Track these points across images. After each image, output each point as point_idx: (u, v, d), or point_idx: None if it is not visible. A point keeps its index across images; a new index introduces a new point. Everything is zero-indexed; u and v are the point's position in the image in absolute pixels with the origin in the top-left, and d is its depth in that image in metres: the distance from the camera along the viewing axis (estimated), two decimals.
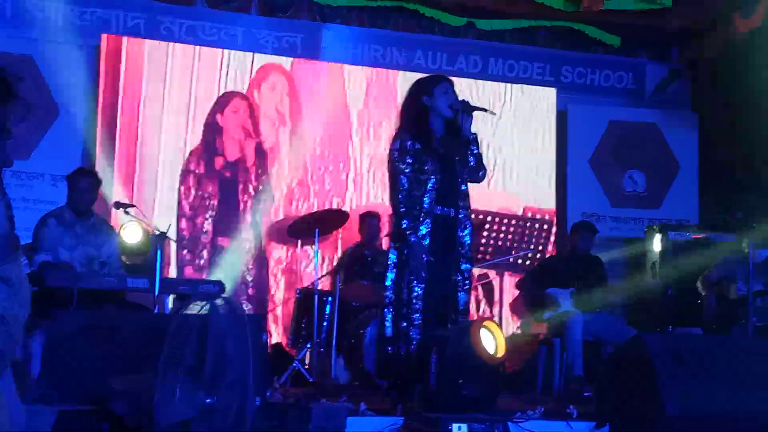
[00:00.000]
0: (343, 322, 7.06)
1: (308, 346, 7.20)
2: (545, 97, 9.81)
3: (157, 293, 5.88)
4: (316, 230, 7.45)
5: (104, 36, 8.44)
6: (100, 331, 4.77)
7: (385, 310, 5.29)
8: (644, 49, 10.22)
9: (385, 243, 8.09)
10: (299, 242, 8.23)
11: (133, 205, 6.82)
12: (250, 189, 8.73)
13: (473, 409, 4.61)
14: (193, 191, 8.59)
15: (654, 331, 7.67)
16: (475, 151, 5.32)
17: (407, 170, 5.31)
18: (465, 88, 8.64)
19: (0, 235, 1.85)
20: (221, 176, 8.69)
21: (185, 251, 8.45)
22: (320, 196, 8.88)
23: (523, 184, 9.62)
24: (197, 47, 8.73)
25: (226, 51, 8.82)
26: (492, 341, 4.92)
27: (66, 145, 8.16)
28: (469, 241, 5.36)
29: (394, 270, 5.32)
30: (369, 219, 8.06)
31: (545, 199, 9.66)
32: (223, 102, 8.78)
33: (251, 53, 8.90)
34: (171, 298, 6.80)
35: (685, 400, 4.50)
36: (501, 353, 4.93)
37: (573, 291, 7.29)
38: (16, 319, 1.88)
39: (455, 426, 4.29)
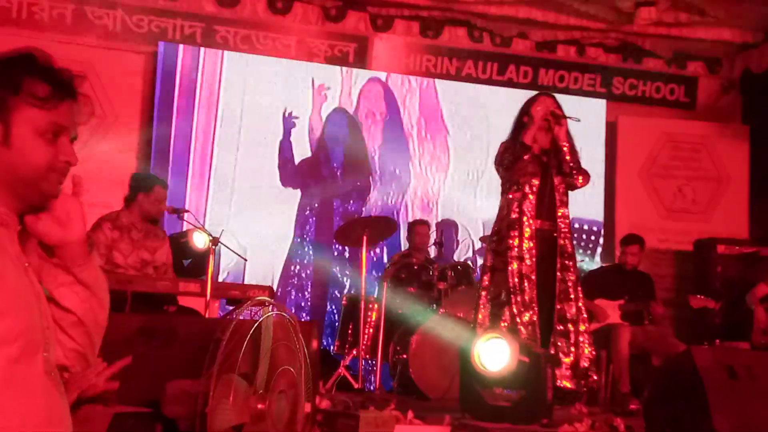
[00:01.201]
0: (389, 330, 7.10)
1: (354, 352, 7.25)
2: (595, 108, 9.79)
3: (208, 297, 5.97)
4: (364, 237, 7.48)
5: (161, 43, 8.59)
6: (155, 334, 4.84)
7: None
8: (696, 62, 10.15)
9: (432, 252, 8.14)
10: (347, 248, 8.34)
11: (187, 211, 6.90)
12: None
13: (520, 421, 4.62)
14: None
15: (702, 345, 7.62)
16: (569, 160, 5.56)
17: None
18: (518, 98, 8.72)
19: (78, 238, 1.87)
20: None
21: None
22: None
23: (572, 195, 9.55)
24: (251, 56, 8.85)
25: (279, 59, 8.94)
26: (496, 352, 4.96)
27: (122, 150, 8.29)
28: (570, 250, 5.55)
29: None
30: (418, 227, 8.09)
31: (594, 210, 9.63)
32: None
33: (304, 62, 9.01)
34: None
35: (734, 415, 4.48)
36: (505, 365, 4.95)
37: (621, 304, 7.27)
38: (95, 321, 1.91)
39: None
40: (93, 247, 1.95)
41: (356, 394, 6.73)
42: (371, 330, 7.28)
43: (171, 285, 6.11)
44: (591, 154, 9.66)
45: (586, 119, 9.64)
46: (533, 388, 4.92)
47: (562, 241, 5.53)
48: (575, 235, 9.51)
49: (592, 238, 9.60)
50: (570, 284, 5.53)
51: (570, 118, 5.69)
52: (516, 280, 5.51)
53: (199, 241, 6.55)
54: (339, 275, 8.89)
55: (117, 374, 3.62)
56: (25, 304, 1.72)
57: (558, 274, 5.53)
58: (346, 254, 8.81)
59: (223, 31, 8.84)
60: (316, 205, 8.95)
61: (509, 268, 5.54)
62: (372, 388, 7.07)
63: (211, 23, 8.80)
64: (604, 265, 9.24)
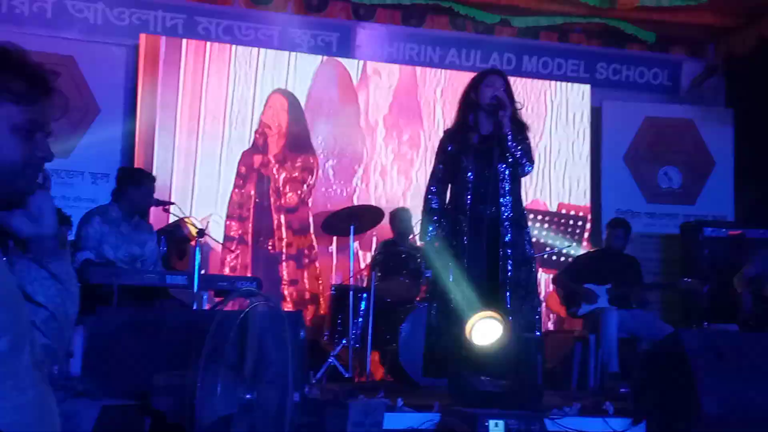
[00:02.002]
0: (378, 318, 7.11)
1: (344, 342, 7.25)
2: (580, 94, 9.81)
3: (196, 290, 5.96)
4: (351, 226, 7.47)
5: (143, 36, 8.56)
6: (142, 327, 4.83)
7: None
8: (679, 46, 10.18)
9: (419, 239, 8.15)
10: (334, 238, 8.34)
11: (172, 203, 6.88)
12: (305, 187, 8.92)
13: (510, 406, 4.63)
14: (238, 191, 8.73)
15: (690, 328, 7.66)
16: (512, 148, 5.28)
17: (440, 166, 5.40)
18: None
19: (50, 232, 1.88)
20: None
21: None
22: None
23: (558, 181, 9.63)
24: (234, 46, 8.83)
25: (262, 50, 8.92)
26: (488, 331, 4.95)
27: (105, 144, 8.27)
28: (509, 239, 5.33)
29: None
30: (401, 214, 8.08)
31: (580, 196, 9.66)
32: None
33: (287, 52, 8.99)
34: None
35: (722, 397, 4.49)
36: (496, 343, 4.95)
37: (609, 287, 7.29)
38: (66, 316, 1.91)
39: (492, 422, 4.31)
40: (65, 243, 1.95)
41: (346, 383, 6.75)
42: (361, 319, 7.29)
43: (158, 278, 6.09)
44: (576, 139, 9.72)
45: (570, 105, 9.75)
46: (523, 372, 4.92)
47: (503, 230, 5.29)
48: (562, 221, 9.58)
49: (579, 223, 9.63)
50: (509, 274, 5.35)
51: (516, 103, 5.39)
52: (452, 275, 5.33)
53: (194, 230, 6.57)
54: None
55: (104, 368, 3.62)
56: (12, 297, 1.71)
57: (500, 264, 5.27)
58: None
59: (205, 22, 8.82)
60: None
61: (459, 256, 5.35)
62: (361, 376, 7.08)
63: (192, 14, 8.78)
64: (591, 250, 9.27)
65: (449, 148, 5.48)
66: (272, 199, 8.81)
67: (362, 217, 7.68)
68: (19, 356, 1.69)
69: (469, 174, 5.34)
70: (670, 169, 9.85)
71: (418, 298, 7.33)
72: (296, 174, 8.90)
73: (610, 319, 6.99)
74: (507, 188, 5.34)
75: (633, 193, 9.71)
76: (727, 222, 9.24)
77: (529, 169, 5.40)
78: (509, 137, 5.26)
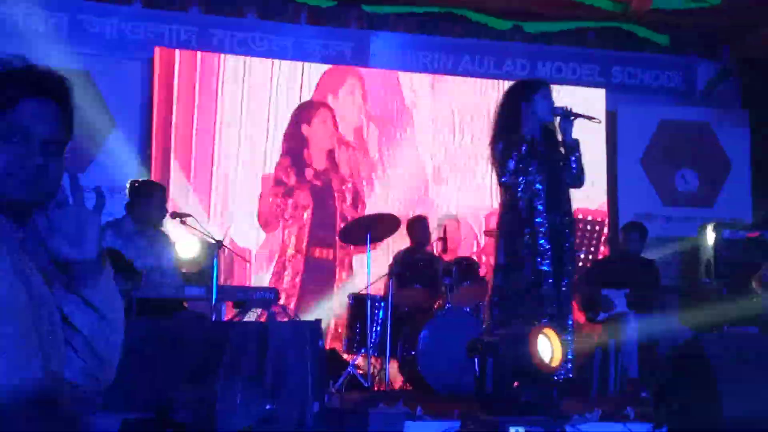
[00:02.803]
0: (396, 327, 7.10)
1: (362, 351, 7.25)
2: (595, 98, 9.77)
3: (214, 301, 5.97)
4: (368, 235, 7.46)
5: (157, 49, 8.60)
6: (161, 340, 4.84)
7: None
8: (694, 48, 10.14)
9: (437, 247, 8.14)
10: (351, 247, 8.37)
11: (189, 215, 6.88)
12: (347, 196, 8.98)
13: (531, 413, 4.61)
14: (280, 202, 8.78)
15: (709, 331, 7.62)
16: (575, 158, 5.43)
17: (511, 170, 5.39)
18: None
19: (90, 257, 1.80)
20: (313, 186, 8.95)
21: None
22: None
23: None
24: (248, 58, 8.86)
25: (276, 61, 8.95)
26: (549, 349, 4.92)
27: (122, 158, 8.30)
28: (568, 246, 5.44)
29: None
30: (418, 224, 8.06)
31: (597, 200, 9.63)
32: (306, 113, 8.98)
33: (300, 62, 9.02)
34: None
35: (744, 401, 4.46)
36: (556, 363, 4.92)
37: (627, 292, 7.27)
38: (107, 344, 1.86)
39: (513, 429, 4.30)
40: (102, 269, 1.85)
41: (365, 392, 6.75)
42: (379, 328, 7.28)
43: (176, 290, 6.11)
44: (591, 144, 9.68)
45: (585, 109, 9.69)
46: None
47: (567, 240, 5.41)
48: (579, 226, 9.55)
49: (597, 228, 9.60)
50: (572, 279, 5.44)
51: (591, 119, 5.55)
52: (533, 277, 5.39)
53: (185, 250, 6.60)
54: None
55: (123, 381, 3.62)
56: (19, 311, 1.69)
57: (568, 268, 5.43)
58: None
59: (219, 35, 8.85)
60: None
61: (526, 264, 5.41)
62: (381, 386, 7.07)
63: (206, 27, 8.81)
64: (608, 254, 9.25)
65: (514, 154, 5.38)
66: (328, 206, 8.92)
67: (379, 226, 7.67)
68: (27, 368, 1.68)
69: (540, 176, 5.40)
70: (687, 171, 9.81)
71: (435, 306, 7.32)
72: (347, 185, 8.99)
73: (630, 324, 6.96)
74: (569, 196, 5.50)
75: (650, 196, 9.67)
76: (745, 224, 9.19)
77: (584, 181, 5.55)
78: (576, 147, 5.44)
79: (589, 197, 9.56)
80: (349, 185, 9.06)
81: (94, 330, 1.83)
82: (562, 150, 5.43)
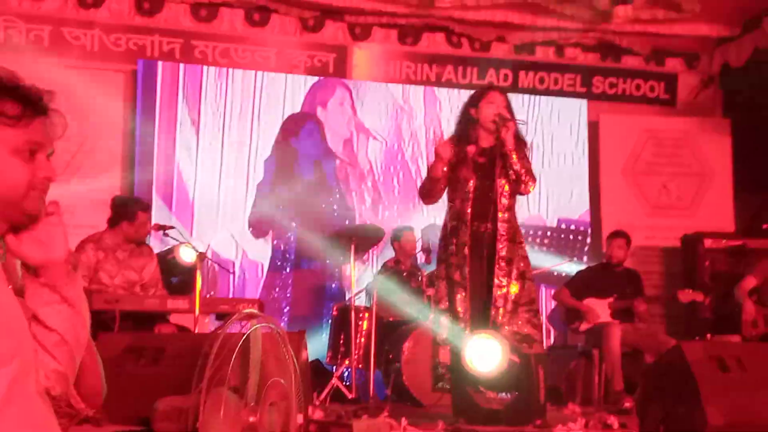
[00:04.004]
0: (380, 338, 7.09)
1: (346, 362, 7.23)
2: (576, 109, 9.83)
3: (197, 313, 5.95)
4: (352, 246, 7.45)
5: (140, 61, 8.59)
6: (144, 353, 4.83)
7: None
8: (674, 58, 10.19)
9: (421, 258, 8.14)
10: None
11: (172, 227, 6.87)
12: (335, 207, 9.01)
13: (513, 422, 4.62)
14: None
15: (692, 340, 7.64)
16: (514, 165, 5.31)
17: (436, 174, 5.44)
18: None
19: (60, 257, 1.87)
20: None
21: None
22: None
23: (557, 196, 9.64)
24: (231, 69, 8.86)
25: (259, 72, 8.95)
26: (486, 353, 4.94)
27: (105, 170, 8.27)
28: (504, 255, 5.35)
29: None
30: (405, 234, 8.07)
31: (579, 211, 9.66)
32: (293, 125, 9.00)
33: (283, 74, 9.02)
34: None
35: (728, 408, 4.48)
36: (497, 365, 4.92)
37: (610, 302, 7.29)
38: (77, 340, 1.90)
39: None
40: (76, 267, 1.96)
41: (350, 403, 6.72)
42: (363, 339, 7.27)
43: (159, 302, 6.09)
44: (574, 154, 9.73)
45: (567, 120, 9.77)
46: (525, 389, 4.91)
47: (500, 245, 5.32)
48: (562, 236, 9.57)
49: (579, 238, 9.63)
50: (505, 290, 5.38)
51: (519, 121, 5.41)
52: (453, 289, 5.39)
53: (186, 255, 6.55)
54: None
55: (107, 395, 3.60)
56: (17, 325, 1.71)
57: (495, 280, 5.31)
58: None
59: (202, 46, 8.85)
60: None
61: (450, 276, 5.41)
62: (365, 397, 7.05)
63: (189, 38, 8.81)
64: (591, 264, 9.26)
65: (448, 158, 5.46)
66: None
67: (363, 237, 7.66)
68: (26, 383, 1.70)
69: (470, 184, 5.37)
70: (669, 181, 9.85)
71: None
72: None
73: (613, 333, 6.98)
74: (505, 204, 5.38)
75: (632, 206, 9.70)
76: (728, 233, 9.22)
77: (532, 187, 5.42)
78: (512, 154, 5.29)
79: (572, 208, 9.61)
80: (337, 196, 9.06)
81: (68, 327, 1.88)
82: (515, 156, 5.33)
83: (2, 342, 1.65)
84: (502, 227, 5.34)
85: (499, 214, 5.34)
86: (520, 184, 5.36)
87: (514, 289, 5.34)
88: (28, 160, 1.80)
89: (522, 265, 5.42)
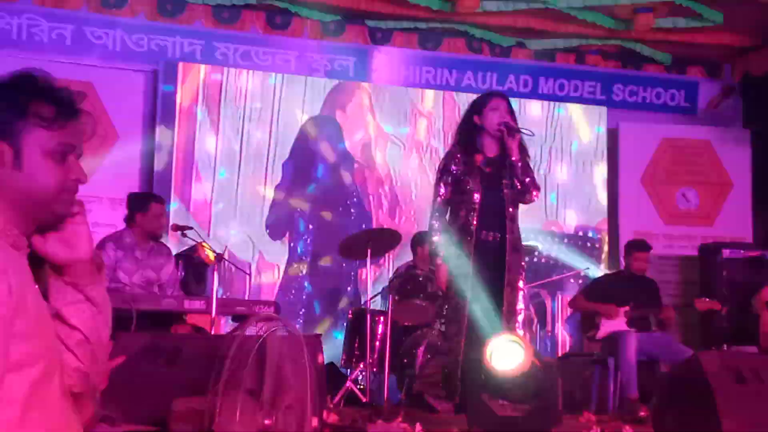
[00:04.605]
0: (395, 342, 7.09)
1: (361, 366, 7.23)
2: (596, 116, 9.81)
3: (214, 314, 5.97)
4: (368, 250, 7.43)
5: (161, 61, 8.62)
6: (161, 353, 4.84)
7: None
8: (696, 67, 10.17)
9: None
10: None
11: (190, 228, 6.89)
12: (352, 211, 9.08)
13: (529, 430, 4.61)
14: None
15: (709, 350, 7.61)
16: (520, 175, 5.33)
17: (444, 188, 5.46)
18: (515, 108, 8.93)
19: (85, 256, 1.89)
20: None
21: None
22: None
23: (575, 203, 9.62)
24: (251, 71, 8.89)
25: (279, 74, 8.98)
26: (511, 356, 4.92)
27: (124, 169, 8.31)
28: (510, 264, 5.37)
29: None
30: (424, 239, 8.02)
31: (597, 218, 9.64)
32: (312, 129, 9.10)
33: (304, 76, 9.04)
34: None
35: (744, 420, 4.46)
36: (524, 367, 4.91)
37: (627, 310, 7.27)
38: (99, 339, 1.91)
39: None
40: (102, 267, 1.97)
41: (364, 407, 6.72)
42: (378, 343, 7.27)
43: (176, 303, 6.11)
44: (593, 161, 9.71)
45: (586, 127, 9.75)
46: (543, 396, 4.90)
47: (509, 257, 5.34)
48: (579, 243, 9.56)
49: (596, 245, 9.61)
50: (515, 299, 5.40)
51: (525, 132, 5.42)
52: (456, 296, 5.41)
53: (210, 255, 6.59)
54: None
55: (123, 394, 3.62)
56: (45, 326, 1.73)
57: (503, 288, 5.34)
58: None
59: (223, 48, 8.88)
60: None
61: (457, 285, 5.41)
62: (380, 401, 7.05)
63: (210, 40, 8.84)
64: (608, 272, 9.24)
65: (453, 169, 5.48)
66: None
67: (379, 241, 7.65)
68: (50, 384, 1.72)
69: (476, 196, 5.37)
70: (688, 190, 9.82)
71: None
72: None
73: (629, 342, 6.95)
74: (511, 212, 5.40)
75: (650, 214, 9.68)
76: (746, 243, 9.19)
77: (536, 197, 5.47)
78: (519, 165, 5.31)
79: (590, 215, 9.58)
80: (355, 200, 9.07)
81: (91, 326, 1.90)
82: (520, 166, 5.35)
83: (29, 343, 1.66)
84: (509, 237, 5.35)
85: (506, 224, 5.36)
86: (525, 194, 5.38)
87: (516, 297, 5.40)
88: (60, 162, 1.80)
89: (522, 275, 5.49)
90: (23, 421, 1.65)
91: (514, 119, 5.45)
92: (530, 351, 4.98)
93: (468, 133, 5.52)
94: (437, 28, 9.36)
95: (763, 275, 8.04)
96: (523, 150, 5.44)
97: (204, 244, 6.93)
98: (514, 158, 5.29)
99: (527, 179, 5.35)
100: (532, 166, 5.58)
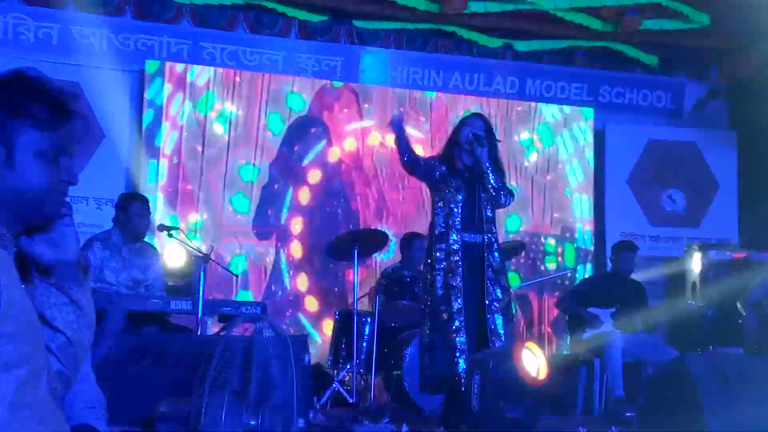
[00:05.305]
0: (382, 343, 7.09)
1: (348, 366, 7.22)
2: (583, 117, 9.83)
3: (200, 315, 5.96)
4: (356, 251, 7.42)
5: (147, 61, 8.59)
6: (147, 354, 4.83)
7: None
8: (682, 69, 10.20)
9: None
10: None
11: (176, 228, 6.87)
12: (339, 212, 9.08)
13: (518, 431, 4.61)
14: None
15: (695, 352, 7.64)
16: (492, 181, 5.66)
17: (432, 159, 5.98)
18: (502, 109, 9.00)
19: (72, 258, 1.88)
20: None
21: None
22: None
23: (561, 204, 9.63)
24: (238, 71, 8.87)
25: (266, 74, 8.96)
26: (534, 363, 4.93)
27: (110, 169, 8.28)
28: (497, 265, 5.71)
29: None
30: (414, 240, 8.01)
31: (583, 219, 9.66)
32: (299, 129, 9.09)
33: (291, 77, 9.03)
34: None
35: (728, 420, 4.48)
36: (543, 375, 4.94)
37: (613, 311, 7.28)
38: (82, 342, 1.90)
39: None
40: (88, 269, 1.95)
41: (351, 408, 6.72)
42: (365, 344, 7.26)
43: (162, 303, 6.10)
44: (579, 162, 9.73)
45: (573, 128, 9.77)
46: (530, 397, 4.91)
47: (489, 255, 5.67)
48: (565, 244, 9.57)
49: (583, 246, 9.62)
50: (497, 297, 5.62)
51: (493, 141, 5.83)
52: (442, 292, 5.64)
53: (172, 259, 6.62)
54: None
55: (109, 395, 3.60)
56: (32, 326, 1.72)
57: (488, 288, 5.65)
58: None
59: (210, 48, 8.86)
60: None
61: (437, 279, 5.67)
62: (366, 402, 7.05)
63: (197, 40, 8.82)
64: (595, 273, 9.27)
65: (440, 166, 5.90)
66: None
67: (366, 241, 7.64)
68: (37, 384, 1.71)
69: (459, 195, 5.76)
70: (674, 192, 9.85)
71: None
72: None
73: (615, 343, 6.97)
74: (489, 215, 5.78)
75: (637, 216, 9.70)
76: (732, 245, 9.22)
77: (508, 201, 5.84)
78: (488, 171, 5.67)
79: (577, 216, 9.60)
80: (342, 200, 9.06)
81: (74, 329, 1.88)
82: (490, 174, 5.71)
83: (16, 344, 1.65)
84: (487, 238, 5.72)
85: (485, 225, 5.73)
86: (498, 199, 5.74)
87: (502, 297, 5.69)
88: (52, 163, 1.80)
89: (503, 273, 5.86)
90: (11, 422, 1.64)
91: (490, 132, 5.85)
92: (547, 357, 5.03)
93: (447, 148, 5.97)
94: (425, 29, 9.36)
95: (748, 277, 8.06)
96: (494, 159, 5.83)
97: (190, 245, 6.91)
98: (483, 166, 5.67)
99: (499, 185, 5.71)
100: (506, 172, 6.05)
